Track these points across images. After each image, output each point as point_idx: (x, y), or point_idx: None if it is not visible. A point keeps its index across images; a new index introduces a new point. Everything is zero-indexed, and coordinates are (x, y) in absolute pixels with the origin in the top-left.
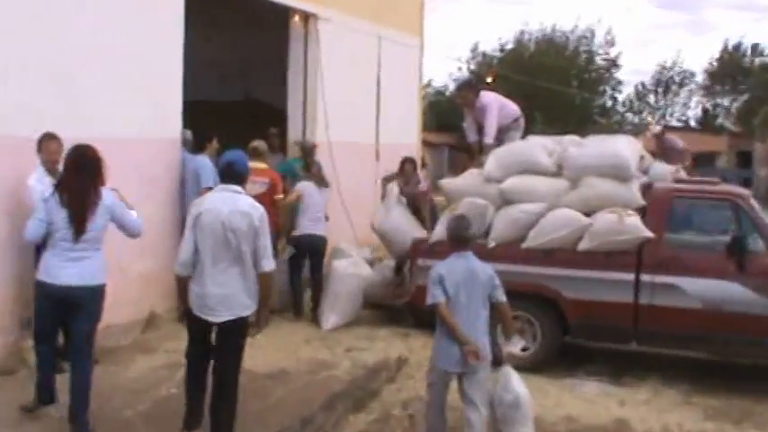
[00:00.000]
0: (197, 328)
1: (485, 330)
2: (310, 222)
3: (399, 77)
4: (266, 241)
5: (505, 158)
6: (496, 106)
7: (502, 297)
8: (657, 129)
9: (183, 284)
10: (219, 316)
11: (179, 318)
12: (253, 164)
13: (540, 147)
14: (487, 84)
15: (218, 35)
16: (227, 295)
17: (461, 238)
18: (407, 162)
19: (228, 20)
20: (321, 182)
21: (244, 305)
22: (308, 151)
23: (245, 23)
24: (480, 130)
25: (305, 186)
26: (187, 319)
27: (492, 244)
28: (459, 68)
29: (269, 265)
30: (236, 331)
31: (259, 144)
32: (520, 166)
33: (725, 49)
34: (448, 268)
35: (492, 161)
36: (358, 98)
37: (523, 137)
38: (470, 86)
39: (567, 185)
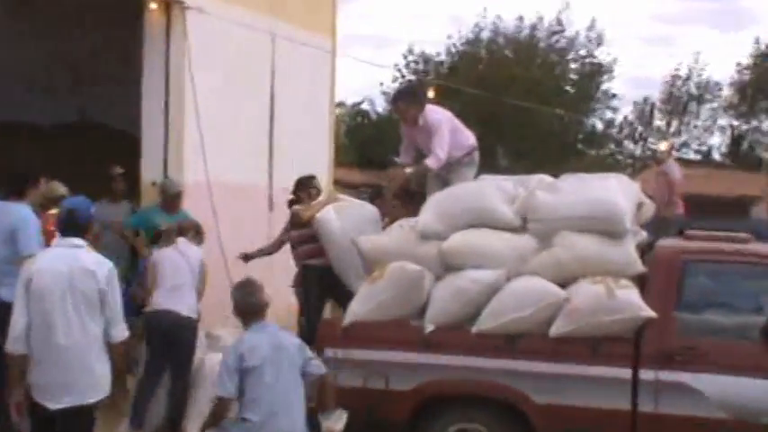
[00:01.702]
0: (37, 419)
1: (301, 410)
2: (169, 294)
3: (303, 92)
4: (116, 304)
5: (449, 206)
6: (448, 128)
7: (320, 369)
8: (664, 146)
9: (19, 366)
10: (60, 402)
11: (16, 411)
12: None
13: (498, 190)
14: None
15: (39, 34)
16: (69, 376)
17: (250, 309)
18: (306, 184)
19: (56, 13)
20: (196, 234)
21: (92, 388)
22: (171, 197)
23: (78, 17)
24: (419, 156)
25: (161, 253)
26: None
27: (429, 327)
28: (399, 75)
29: (121, 333)
30: (82, 422)
31: (54, 188)
32: (469, 217)
33: (760, 53)
34: (249, 346)
35: (430, 210)
36: (245, 121)
37: (478, 176)
38: (413, 95)
39: (535, 244)
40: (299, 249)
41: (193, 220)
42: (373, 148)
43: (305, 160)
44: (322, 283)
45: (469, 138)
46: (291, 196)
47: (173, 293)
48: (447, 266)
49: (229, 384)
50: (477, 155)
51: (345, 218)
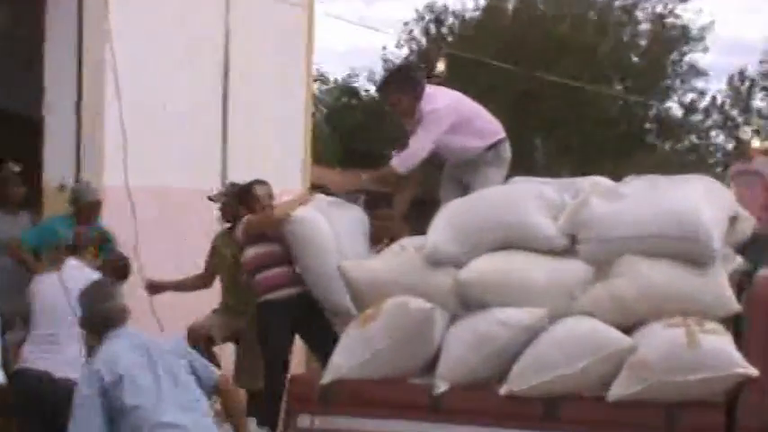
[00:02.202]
0: None
1: (203, 411)
2: (40, 345)
3: (268, 63)
4: None
5: (468, 220)
6: (449, 119)
7: (212, 375)
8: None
9: None
10: None
11: None
12: None
13: (536, 198)
14: (436, 77)
15: None
16: None
17: (106, 317)
18: (251, 194)
19: None
20: (115, 269)
21: None
22: (85, 206)
23: None
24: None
25: (44, 281)
26: None
27: (441, 387)
28: (407, 37)
29: None
30: None
31: None
32: (496, 236)
33: None
34: (106, 358)
35: (442, 226)
36: (187, 105)
37: (509, 178)
38: (404, 81)
39: (588, 273)
40: (260, 277)
41: (118, 253)
42: (363, 139)
43: (271, 156)
44: (292, 323)
45: (492, 126)
46: (218, 211)
47: (46, 344)
48: (466, 303)
49: (93, 421)
50: (505, 149)
51: (333, 220)
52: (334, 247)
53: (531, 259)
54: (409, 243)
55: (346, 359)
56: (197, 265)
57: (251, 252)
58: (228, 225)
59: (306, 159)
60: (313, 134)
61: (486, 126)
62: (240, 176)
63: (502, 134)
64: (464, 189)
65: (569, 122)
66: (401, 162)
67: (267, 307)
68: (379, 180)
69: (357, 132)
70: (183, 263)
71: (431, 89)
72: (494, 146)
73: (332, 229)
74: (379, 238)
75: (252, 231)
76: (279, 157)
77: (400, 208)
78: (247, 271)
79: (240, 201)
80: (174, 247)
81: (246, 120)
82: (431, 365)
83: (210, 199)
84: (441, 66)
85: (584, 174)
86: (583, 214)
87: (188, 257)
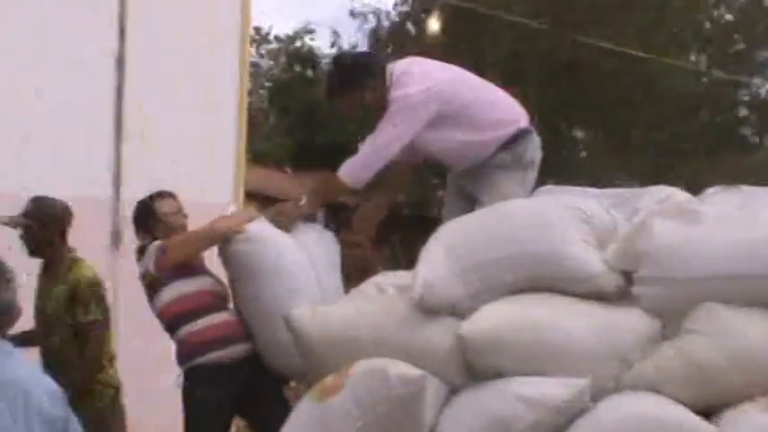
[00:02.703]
0: None
1: None
2: None
3: (183, 20)
4: None
5: (475, 250)
6: (429, 106)
7: None
8: None
9: None
10: None
11: None
12: None
13: (576, 216)
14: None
15: None
16: None
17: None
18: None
19: None
20: None
21: None
22: None
23: None
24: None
25: None
26: None
27: None
28: None
29: None
30: None
31: None
32: (514, 273)
33: None
34: None
35: (437, 257)
36: (60, 85)
37: (537, 186)
38: (347, 81)
39: (650, 327)
40: (186, 332)
41: None
42: (324, 125)
43: (186, 155)
44: (233, 401)
45: (508, 114)
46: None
47: None
48: (471, 370)
49: None
50: (527, 146)
51: (303, 244)
52: (307, 281)
53: (567, 306)
54: (389, 281)
55: None
56: None
57: (168, 294)
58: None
59: (238, 158)
60: (250, 120)
61: (496, 115)
62: (140, 184)
63: (523, 124)
64: (473, 205)
65: (628, 108)
66: (351, 171)
67: (197, 377)
68: (326, 198)
69: (315, 115)
70: None
71: (407, 65)
72: (510, 143)
73: (303, 256)
74: (347, 273)
75: (171, 261)
76: (195, 156)
77: (367, 227)
78: (165, 321)
79: (137, 225)
80: None
81: (150, 104)
82: None
83: (4, 223)
84: (434, 24)
85: (647, 182)
86: (644, 243)
87: None
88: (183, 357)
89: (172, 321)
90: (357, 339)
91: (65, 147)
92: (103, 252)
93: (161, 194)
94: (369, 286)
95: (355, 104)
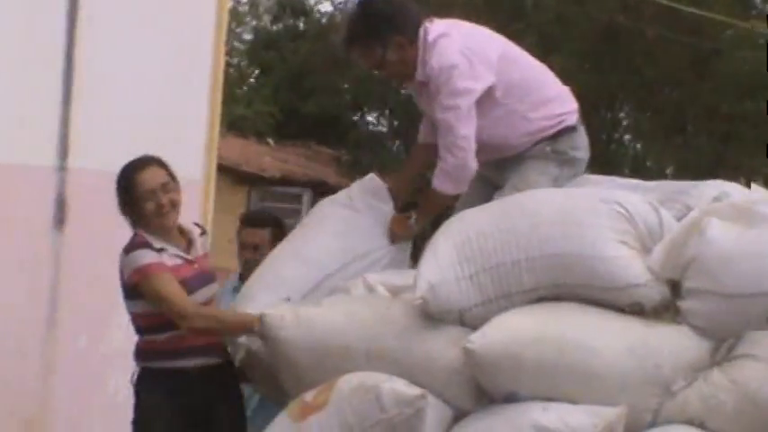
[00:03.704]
0: None
1: None
2: None
3: None
4: None
5: (490, 248)
6: (476, 84)
7: None
8: None
9: None
10: None
11: None
12: None
13: (614, 214)
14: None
15: None
16: None
17: None
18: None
19: None
20: None
21: None
22: None
23: None
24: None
25: None
26: None
27: None
28: None
29: None
30: None
31: None
32: (537, 278)
33: None
34: None
35: (444, 256)
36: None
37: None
38: (366, 31)
39: (699, 349)
40: (149, 338)
41: None
42: (312, 89)
43: (147, 121)
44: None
45: (559, 99)
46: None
47: None
48: (481, 391)
49: None
50: (573, 141)
51: None
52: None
53: (598, 321)
54: (379, 279)
55: None
56: (16, 290)
57: (145, 306)
58: None
59: (211, 125)
60: (226, 82)
61: (545, 102)
62: (89, 151)
63: (571, 121)
64: (493, 192)
65: (681, 86)
66: (448, 178)
67: (150, 383)
68: (435, 212)
69: (303, 77)
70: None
71: (447, 27)
72: (556, 136)
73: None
74: None
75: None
76: (158, 122)
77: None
78: (134, 324)
79: (119, 202)
80: None
81: (100, 51)
82: None
83: None
84: None
85: (700, 174)
86: (694, 248)
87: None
88: (141, 357)
89: (141, 327)
90: (345, 348)
91: (2, 107)
92: (45, 229)
93: (144, 163)
94: (357, 285)
95: (374, 60)
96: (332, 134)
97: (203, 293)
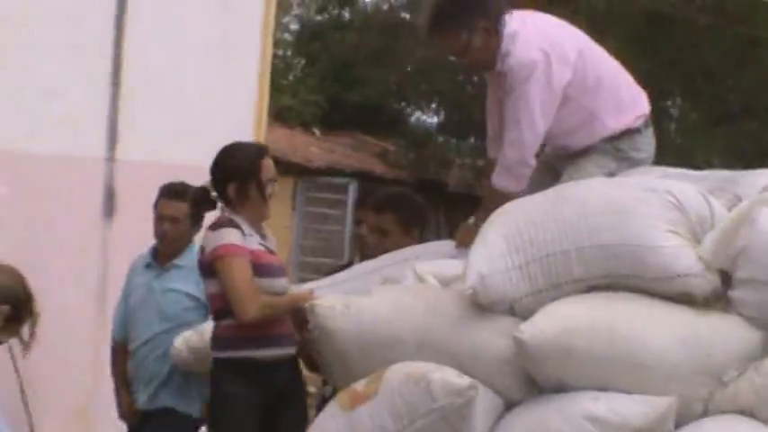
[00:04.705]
0: None
1: None
2: None
3: None
4: None
5: (541, 239)
6: (554, 84)
7: None
8: None
9: None
10: None
11: None
12: None
13: (664, 204)
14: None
15: None
16: None
17: None
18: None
19: None
20: None
21: None
22: None
23: None
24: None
25: None
26: None
27: None
28: None
29: None
30: None
31: None
32: (588, 268)
33: None
34: None
35: (493, 245)
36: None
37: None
38: (467, 4)
39: (751, 339)
40: (226, 324)
41: None
42: (361, 80)
43: (194, 112)
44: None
45: (631, 101)
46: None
47: None
48: (531, 380)
49: None
50: (636, 142)
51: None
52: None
53: (650, 311)
54: (430, 269)
55: None
56: (64, 282)
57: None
58: None
59: (258, 116)
60: (273, 72)
61: (618, 100)
62: (138, 142)
63: (640, 122)
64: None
65: (729, 74)
66: (509, 174)
67: (230, 373)
68: (491, 211)
69: (349, 67)
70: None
71: (522, 19)
72: (620, 135)
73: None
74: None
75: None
76: (205, 113)
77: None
78: (211, 308)
79: (226, 183)
80: (21, 247)
81: (148, 45)
82: None
83: None
84: None
85: (750, 163)
86: (746, 238)
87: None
88: (220, 345)
89: (218, 310)
90: (396, 339)
91: (54, 100)
92: (95, 221)
93: (265, 151)
94: (407, 275)
95: (459, 45)
96: (377, 125)
97: (281, 283)
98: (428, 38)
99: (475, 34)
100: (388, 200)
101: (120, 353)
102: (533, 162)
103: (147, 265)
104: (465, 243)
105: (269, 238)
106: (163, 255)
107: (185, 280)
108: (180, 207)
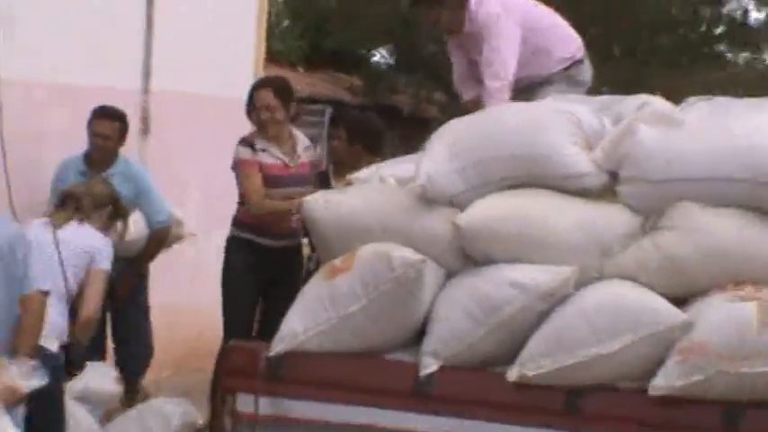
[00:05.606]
0: None
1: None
2: None
3: None
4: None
5: (475, 147)
6: (513, 30)
7: (27, 286)
8: None
9: None
10: None
11: None
12: None
13: (567, 120)
14: None
15: None
16: None
17: None
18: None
19: None
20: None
21: None
22: None
23: None
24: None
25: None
26: None
27: (429, 366)
28: None
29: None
30: None
31: None
32: (510, 168)
33: None
34: None
35: (439, 152)
36: None
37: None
38: None
39: (631, 223)
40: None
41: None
42: (332, 31)
43: (210, 52)
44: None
45: (572, 38)
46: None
47: None
48: (467, 256)
49: None
50: (580, 69)
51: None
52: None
53: (556, 201)
54: (391, 172)
55: (305, 323)
56: None
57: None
58: None
59: (257, 57)
60: (268, 23)
61: (563, 38)
62: (167, 73)
63: (579, 55)
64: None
65: (608, 23)
66: (491, 94)
67: (232, 246)
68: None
69: (327, 22)
70: None
71: None
72: (572, 64)
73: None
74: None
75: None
76: (219, 54)
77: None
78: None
79: (249, 113)
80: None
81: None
82: (417, 337)
83: None
84: None
85: (629, 91)
86: (627, 145)
87: None
88: (234, 224)
89: (240, 198)
90: (365, 226)
91: (90, 36)
92: (132, 137)
93: (260, 84)
94: (373, 176)
95: (433, 18)
96: (347, 64)
97: (287, 191)
98: (410, 10)
99: (446, 9)
100: (342, 117)
101: None
102: (510, 89)
103: (82, 173)
104: None
105: (296, 148)
106: (95, 164)
107: (119, 186)
108: (112, 125)
